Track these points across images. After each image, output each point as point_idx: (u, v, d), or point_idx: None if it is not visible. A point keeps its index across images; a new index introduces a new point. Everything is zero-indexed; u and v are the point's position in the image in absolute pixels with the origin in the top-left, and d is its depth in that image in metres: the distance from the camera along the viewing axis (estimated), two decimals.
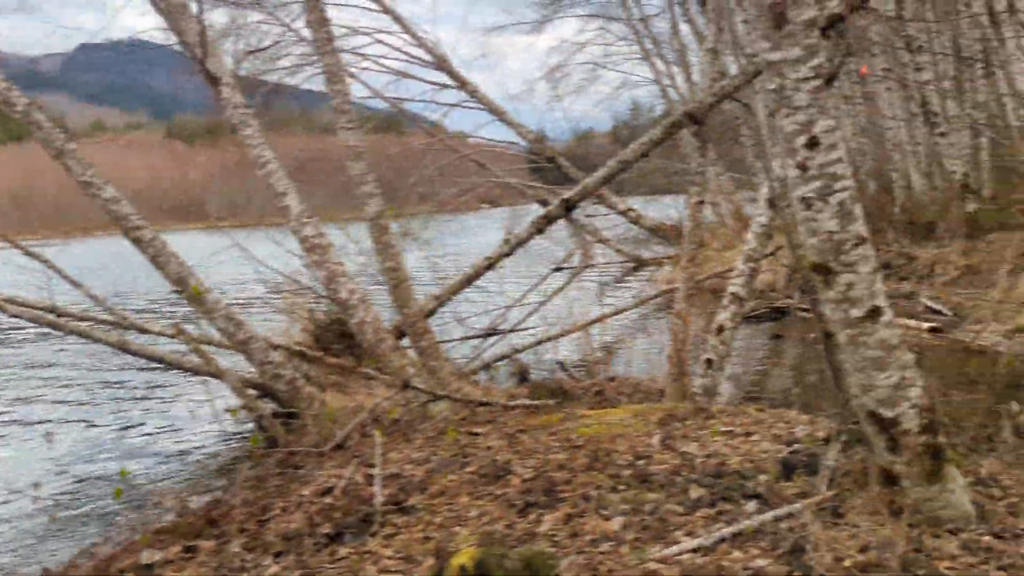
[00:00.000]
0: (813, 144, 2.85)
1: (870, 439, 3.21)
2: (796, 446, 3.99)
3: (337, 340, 8.92)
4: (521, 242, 8.84)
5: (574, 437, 4.71)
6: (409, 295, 6.66)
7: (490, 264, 8.99)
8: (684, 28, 20.45)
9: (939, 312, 9.93)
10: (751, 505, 3.47)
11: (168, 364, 7.85)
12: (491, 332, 10.24)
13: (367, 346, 6.31)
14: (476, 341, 9.66)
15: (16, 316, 7.49)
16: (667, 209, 20.54)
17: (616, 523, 3.50)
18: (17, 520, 5.45)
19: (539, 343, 9.27)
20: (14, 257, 7.40)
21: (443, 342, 8.53)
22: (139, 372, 10.58)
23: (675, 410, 5.04)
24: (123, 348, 7.70)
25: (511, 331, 9.63)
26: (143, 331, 8.01)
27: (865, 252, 2.95)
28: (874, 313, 2.98)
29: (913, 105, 14.05)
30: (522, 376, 8.81)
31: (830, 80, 3.01)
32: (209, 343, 7.93)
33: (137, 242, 6.14)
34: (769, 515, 3.33)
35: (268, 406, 6.79)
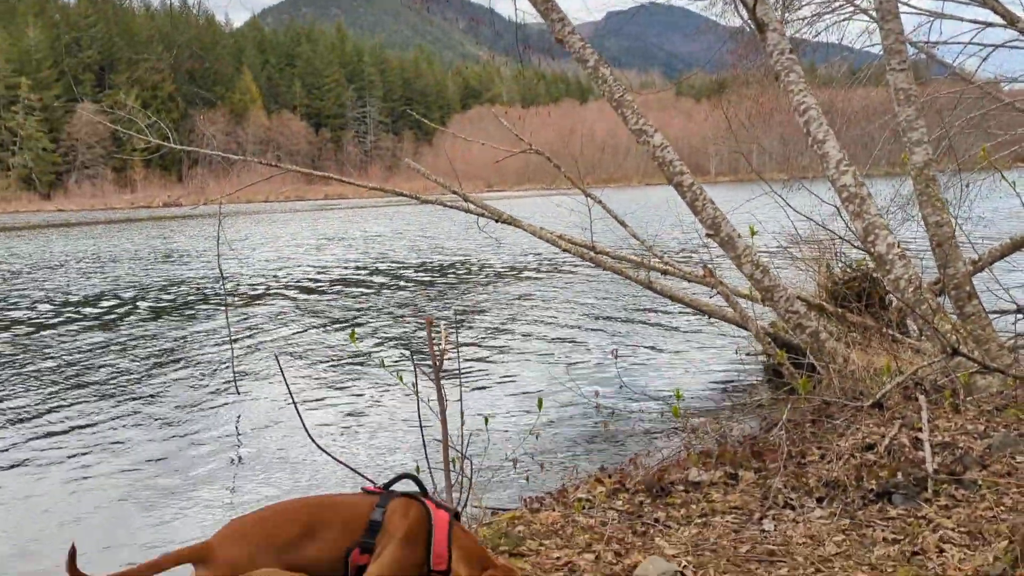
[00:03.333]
0: None
1: None
2: None
3: (855, 298, 8.49)
4: None
5: None
6: (956, 254, 6.00)
7: None
8: None
9: None
10: None
11: (688, 306, 8.30)
12: None
13: (905, 305, 5.87)
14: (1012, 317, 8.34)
15: (566, 251, 8.60)
16: None
17: None
18: (576, 424, 6.44)
19: None
20: (567, 200, 8.49)
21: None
22: (657, 305, 11.55)
23: None
24: (649, 287, 8.35)
25: None
26: (667, 273, 8.57)
27: None
28: None
29: None
30: None
31: None
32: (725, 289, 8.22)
33: (679, 187, 6.55)
34: None
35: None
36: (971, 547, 3.03)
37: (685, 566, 2.94)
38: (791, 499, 3.66)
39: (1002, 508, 3.30)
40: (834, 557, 3.03)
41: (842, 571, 2.92)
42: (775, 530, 3.35)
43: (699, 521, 3.46)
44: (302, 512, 2.52)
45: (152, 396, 8.11)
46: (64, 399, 8.00)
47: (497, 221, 8.66)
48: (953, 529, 3.17)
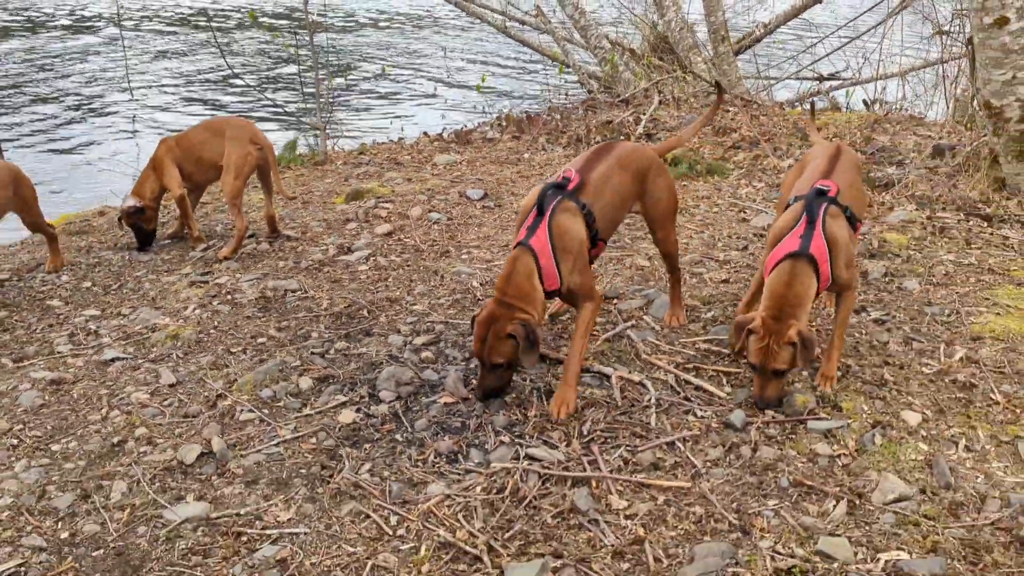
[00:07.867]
0: None
1: (985, 124, 4.23)
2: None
3: (669, 52, 10.39)
4: None
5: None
6: (718, 5, 7.85)
7: None
8: None
9: None
10: None
11: (535, 50, 9.94)
12: (821, 78, 10.78)
13: (672, 41, 7.78)
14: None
15: None
16: None
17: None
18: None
19: (851, 84, 9.72)
20: None
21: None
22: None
23: None
24: (503, 31, 9.91)
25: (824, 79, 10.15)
26: (522, 23, 10.08)
27: None
28: (1001, 21, 3.91)
29: None
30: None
31: None
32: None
33: None
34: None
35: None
36: None
37: (462, 155, 4.93)
38: (547, 146, 5.69)
39: None
40: (552, 164, 5.09)
41: (551, 167, 4.99)
42: (528, 157, 5.38)
43: (484, 150, 5.45)
44: None
45: (48, 99, 9.39)
46: None
47: None
48: None
